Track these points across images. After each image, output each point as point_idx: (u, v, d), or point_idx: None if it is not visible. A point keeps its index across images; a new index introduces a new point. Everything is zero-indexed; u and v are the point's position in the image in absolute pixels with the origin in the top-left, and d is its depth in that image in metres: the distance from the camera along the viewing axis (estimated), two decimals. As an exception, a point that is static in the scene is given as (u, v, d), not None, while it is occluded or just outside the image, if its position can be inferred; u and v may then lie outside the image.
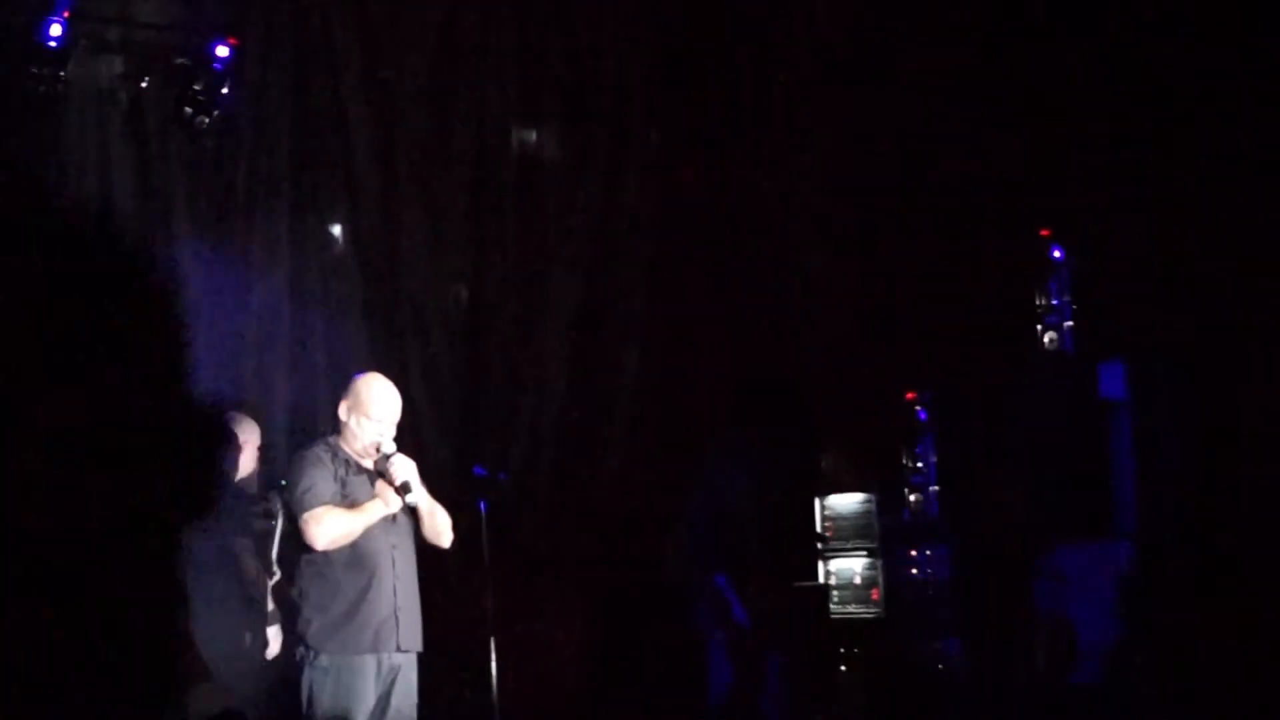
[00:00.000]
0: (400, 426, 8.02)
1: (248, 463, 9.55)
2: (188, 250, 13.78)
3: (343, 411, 7.73)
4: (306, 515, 7.41)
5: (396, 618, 7.61)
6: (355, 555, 7.52)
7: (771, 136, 14.29)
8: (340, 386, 14.04)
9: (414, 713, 7.81)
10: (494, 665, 10.05)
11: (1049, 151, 12.24)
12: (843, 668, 11.95)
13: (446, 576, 12.39)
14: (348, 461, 7.65)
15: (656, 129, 14.84)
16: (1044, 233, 11.79)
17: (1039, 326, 11.64)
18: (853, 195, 13.70)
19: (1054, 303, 11.65)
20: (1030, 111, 12.41)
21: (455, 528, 8.35)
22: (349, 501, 7.52)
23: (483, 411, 14.34)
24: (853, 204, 13.70)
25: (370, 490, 7.62)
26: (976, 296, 12.65)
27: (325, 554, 7.52)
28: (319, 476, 7.54)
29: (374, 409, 7.66)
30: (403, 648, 7.68)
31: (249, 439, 9.64)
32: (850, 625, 12.19)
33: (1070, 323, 11.56)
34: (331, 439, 7.83)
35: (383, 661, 7.59)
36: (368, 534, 7.58)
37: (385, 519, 7.66)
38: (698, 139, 14.66)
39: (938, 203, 13.17)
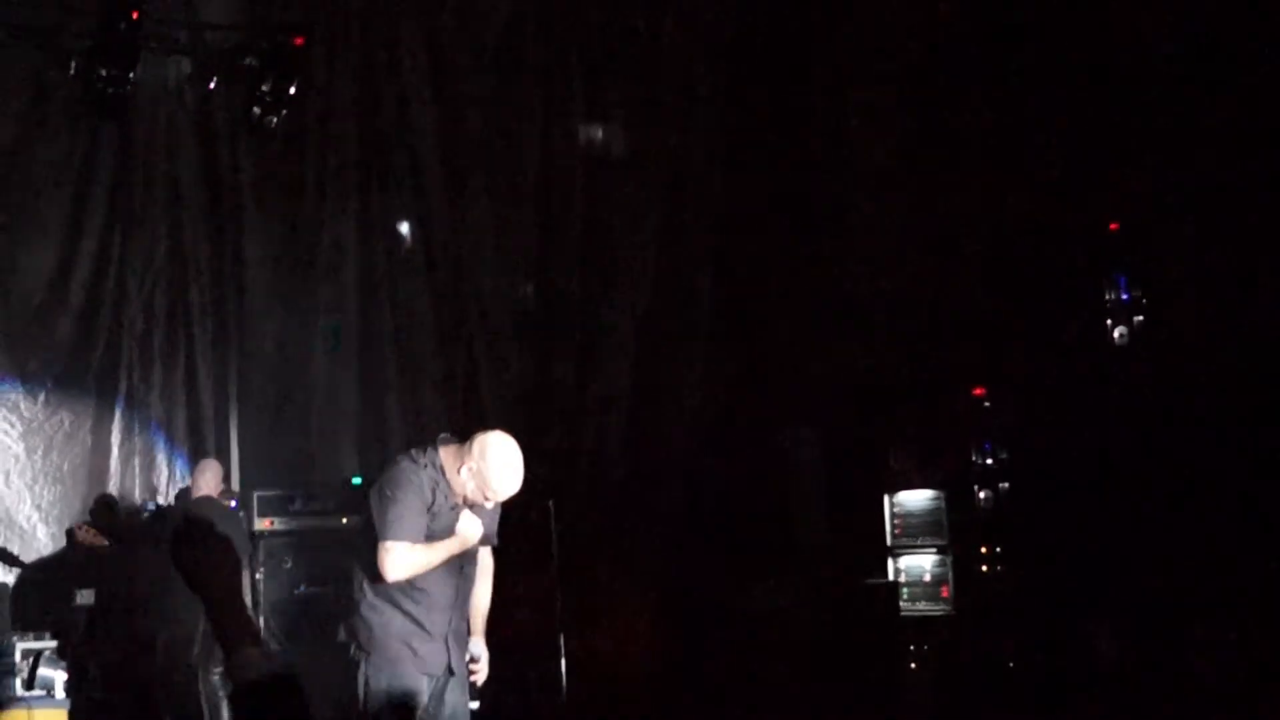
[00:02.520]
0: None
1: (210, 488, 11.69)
2: (256, 249, 13.87)
3: (465, 471, 7.42)
4: (388, 544, 7.27)
5: (447, 644, 7.54)
6: (420, 581, 7.42)
7: (838, 133, 14.24)
8: (408, 386, 14.20)
9: (467, 711, 7.74)
10: (563, 660, 10.08)
11: (1119, 149, 12.20)
12: (913, 665, 11.91)
13: (516, 572, 12.42)
14: (446, 495, 7.49)
15: (722, 124, 14.82)
16: (1113, 227, 11.71)
17: (1108, 321, 11.53)
18: (921, 193, 13.65)
19: (1124, 298, 11.54)
20: (1100, 107, 12.35)
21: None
22: (430, 533, 7.39)
23: (550, 408, 14.35)
24: (921, 201, 13.64)
25: (453, 524, 7.49)
26: (1046, 292, 12.59)
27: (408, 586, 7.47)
28: (412, 508, 7.30)
29: (495, 487, 7.45)
30: (453, 670, 7.59)
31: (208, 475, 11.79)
32: (920, 622, 12.14)
33: (1140, 317, 11.44)
34: (438, 460, 7.53)
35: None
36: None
37: (453, 569, 7.54)
38: (764, 134, 14.61)
39: (1006, 200, 13.12)
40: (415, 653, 7.38)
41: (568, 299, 14.68)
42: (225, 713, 11.23)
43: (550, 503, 10.36)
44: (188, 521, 4.01)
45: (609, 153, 15.04)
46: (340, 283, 14.09)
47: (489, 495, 7.33)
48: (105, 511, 12.50)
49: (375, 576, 7.33)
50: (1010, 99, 12.94)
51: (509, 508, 7.66)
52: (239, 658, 3.81)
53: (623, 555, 13.50)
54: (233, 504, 12.40)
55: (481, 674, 7.70)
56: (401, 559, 7.21)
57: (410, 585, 7.34)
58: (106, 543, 11.26)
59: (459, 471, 7.30)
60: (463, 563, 7.50)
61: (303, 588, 12.01)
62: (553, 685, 10.40)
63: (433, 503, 7.33)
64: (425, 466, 7.38)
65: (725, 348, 14.59)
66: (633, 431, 14.46)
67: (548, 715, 10.69)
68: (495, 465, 7.29)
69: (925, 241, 13.60)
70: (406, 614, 7.36)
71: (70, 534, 11.88)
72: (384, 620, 7.39)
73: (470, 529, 7.40)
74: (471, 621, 7.73)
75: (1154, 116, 12.14)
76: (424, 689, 7.44)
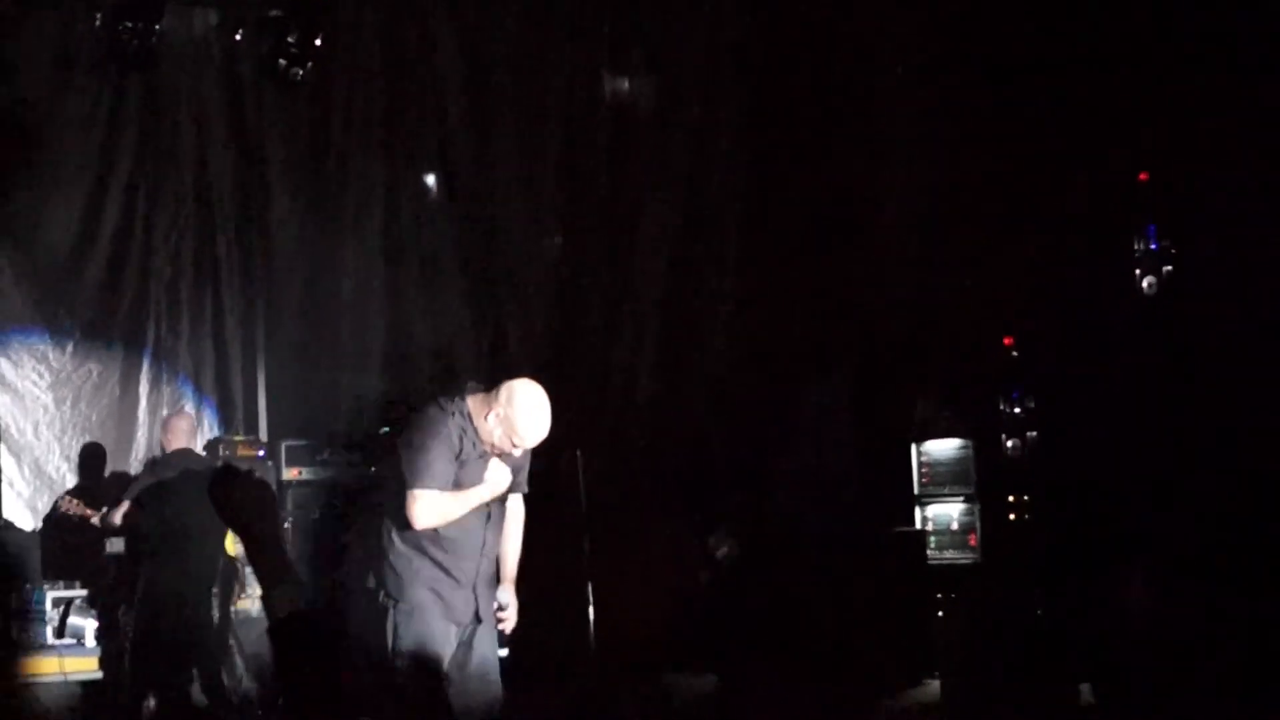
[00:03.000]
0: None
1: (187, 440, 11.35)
2: (284, 198, 13.89)
3: (492, 417, 7.38)
4: (416, 492, 7.25)
5: (475, 592, 7.46)
6: (448, 529, 7.42)
7: (863, 82, 14.19)
8: (438, 331, 14.21)
9: (496, 658, 7.71)
10: (590, 608, 10.10)
11: (1147, 92, 12.15)
12: (940, 613, 11.90)
13: (545, 521, 12.43)
14: (474, 443, 7.47)
15: (747, 76, 14.76)
16: (1143, 176, 11.65)
17: (1137, 271, 11.48)
18: (947, 140, 13.61)
19: (1152, 247, 11.49)
20: (1129, 51, 12.30)
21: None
22: (458, 481, 7.36)
23: (577, 357, 14.37)
24: (948, 148, 13.60)
25: (481, 472, 7.47)
26: (1074, 241, 12.56)
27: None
28: (440, 455, 7.24)
29: (523, 433, 7.42)
30: (480, 618, 7.46)
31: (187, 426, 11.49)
32: (947, 571, 12.14)
33: (1169, 267, 11.39)
34: (465, 408, 7.50)
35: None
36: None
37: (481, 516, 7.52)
38: (789, 84, 14.56)
39: (1034, 147, 13.08)
40: (443, 600, 7.38)
41: (594, 250, 14.67)
42: (239, 663, 11.28)
43: (578, 451, 10.36)
44: (226, 467, 4.10)
45: (635, 105, 15.01)
46: (366, 234, 14.12)
47: (516, 442, 7.33)
48: (93, 466, 12.51)
49: (403, 525, 7.33)
50: (1043, 49, 12.91)
51: (537, 455, 7.66)
52: (276, 595, 3.87)
53: (650, 502, 13.53)
54: (260, 453, 12.46)
55: (510, 622, 7.70)
56: (430, 507, 7.21)
57: (438, 533, 7.34)
58: (89, 513, 11.23)
59: (486, 418, 7.29)
60: (491, 510, 7.50)
61: (330, 537, 12.03)
62: (580, 633, 10.41)
63: (460, 450, 7.32)
64: (453, 414, 7.37)
65: (752, 296, 14.57)
66: (659, 380, 14.47)
67: (575, 663, 10.72)
68: (522, 411, 7.29)
69: (954, 191, 13.57)
70: (434, 562, 7.36)
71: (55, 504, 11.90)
72: (412, 568, 7.39)
73: (499, 477, 7.40)
74: (501, 569, 7.73)
75: (1183, 64, 12.09)
76: (452, 636, 7.44)
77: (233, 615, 11.34)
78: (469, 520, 7.37)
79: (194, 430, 11.73)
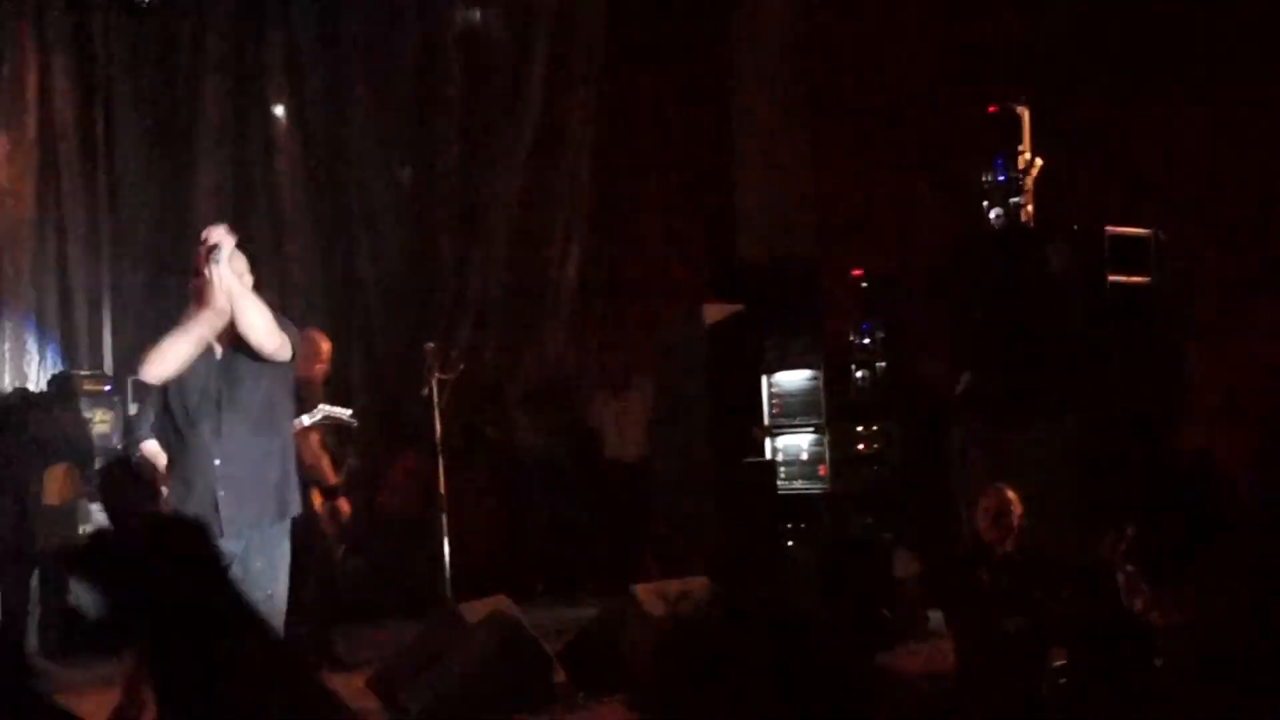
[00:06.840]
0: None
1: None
2: (130, 129, 13.69)
3: None
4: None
5: (216, 499, 6.58)
6: (177, 435, 6.72)
7: (721, 11, 14.24)
8: (287, 261, 14.12)
9: (272, 588, 6.68)
10: (445, 540, 10.10)
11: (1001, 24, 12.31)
12: (789, 543, 11.99)
13: (399, 453, 12.45)
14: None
15: (603, 7, 14.74)
16: (991, 109, 11.70)
17: (985, 203, 11.52)
18: (801, 75, 13.69)
19: (999, 179, 11.51)
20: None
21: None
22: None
23: (430, 292, 14.32)
24: (801, 83, 13.68)
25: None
26: (924, 173, 12.67)
27: (169, 423, 6.76)
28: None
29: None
30: (224, 533, 6.51)
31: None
32: (797, 501, 12.22)
33: (1016, 199, 11.43)
34: None
35: None
36: (187, 404, 6.64)
37: (209, 393, 6.62)
38: (646, 16, 14.56)
39: (885, 82, 13.18)
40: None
41: (446, 183, 14.61)
42: None
43: (433, 382, 10.33)
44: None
45: (488, 33, 14.93)
46: (215, 164, 13.96)
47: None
48: None
49: None
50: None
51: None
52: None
53: (504, 433, 13.60)
54: (106, 388, 12.30)
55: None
56: (151, 354, 6.62)
57: (170, 448, 6.93)
58: None
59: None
60: (215, 414, 6.71)
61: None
62: (435, 566, 10.41)
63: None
64: None
65: (602, 229, 14.61)
66: (509, 313, 14.48)
67: (429, 596, 10.73)
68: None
69: (809, 122, 13.66)
70: (176, 464, 6.89)
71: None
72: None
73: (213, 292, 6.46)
74: None
75: None
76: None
77: None
78: (189, 416, 6.68)
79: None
